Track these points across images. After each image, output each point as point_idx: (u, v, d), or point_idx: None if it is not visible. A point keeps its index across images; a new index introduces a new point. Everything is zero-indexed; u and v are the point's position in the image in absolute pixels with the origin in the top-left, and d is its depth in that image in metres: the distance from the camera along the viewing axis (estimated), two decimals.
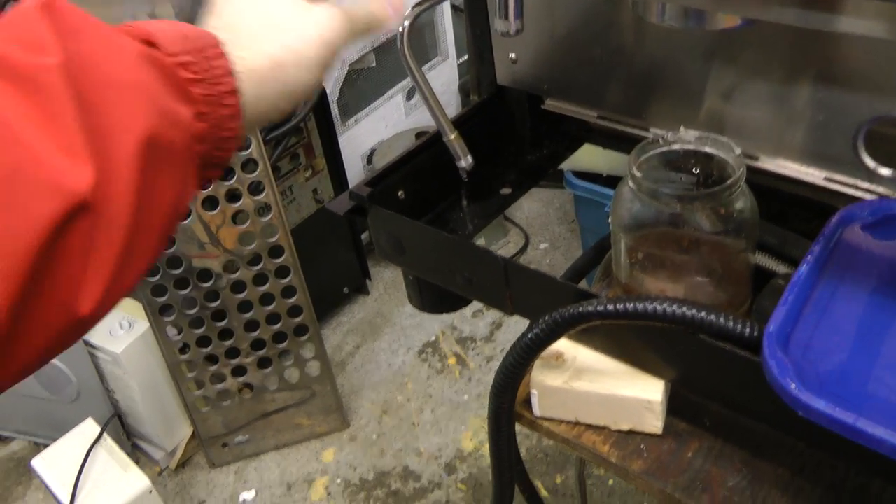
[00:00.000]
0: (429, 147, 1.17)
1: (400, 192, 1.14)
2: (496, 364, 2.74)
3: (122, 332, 2.42)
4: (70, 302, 0.51)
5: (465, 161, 1.14)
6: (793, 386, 0.74)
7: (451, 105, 3.50)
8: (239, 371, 2.46)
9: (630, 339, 0.96)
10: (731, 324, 0.82)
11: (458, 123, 1.16)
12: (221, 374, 2.45)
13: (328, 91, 2.86)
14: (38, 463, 2.33)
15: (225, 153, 0.63)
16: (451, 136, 1.12)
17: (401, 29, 1.02)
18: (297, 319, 2.40)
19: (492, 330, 2.90)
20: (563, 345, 1.03)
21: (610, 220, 1.02)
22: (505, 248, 3.24)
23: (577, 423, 1.03)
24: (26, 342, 0.50)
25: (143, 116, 0.54)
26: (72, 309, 0.51)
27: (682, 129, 0.98)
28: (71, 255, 0.50)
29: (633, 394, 0.97)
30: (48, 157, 0.49)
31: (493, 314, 2.95)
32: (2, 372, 0.51)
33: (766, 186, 1.02)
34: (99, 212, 0.51)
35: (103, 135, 0.52)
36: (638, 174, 0.95)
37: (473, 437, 2.55)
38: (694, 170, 1.00)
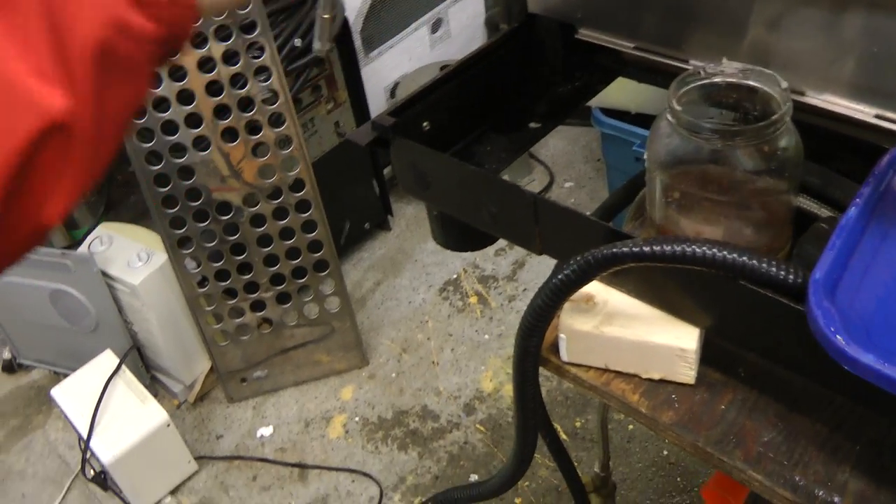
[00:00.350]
0: (455, 77, 1.12)
1: (425, 124, 1.09)
2: (518, 304, 2.72)
3: (140, 264, 2.40)
4: (37, 214, 0.54)
5: (322, 45, 1.08)
6: (839, 338, 0.69)
7: (477, 39, 3.43)
8: (258, 306, 2.43)
9: (665, 284, 0.92)
10: (774, 269, 0.77)
11: (486, 53, 1.10)
12: (240, 309, 2.42)
13: (350, 21, 2.80)
14: (57, 392, 2.33)
15: (179, 47, 0.65)
16: (325, 16, 1.06)
17: None
18: (318, 255, 2.37)
19: (514, 269, 2.86)
20: (595, 287, 0.98)
21: (646, 155, 0.97)
22: (529, 185, 3.19)
23: (605, 370, 0.99)
24: None
25: (96, 27, 0.56)
26: (38, 220, 0.55)
27: (724, 60, 0.93)
28: (43, 171, 0.53)
29: (665, 341, 0.93)
30: (24, 79, 0.52)
31: (515, 253, 2.91)
32: None
33: (811, 124, 0.97)
34: (70, 131, 0.53)
35: (68, 55, 0.54)
36: (677, 107, 0.89)
37: (493, 377, 2.52)
38: (736, 104, 0.94)
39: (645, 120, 2.42)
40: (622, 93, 2.26)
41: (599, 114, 2.51)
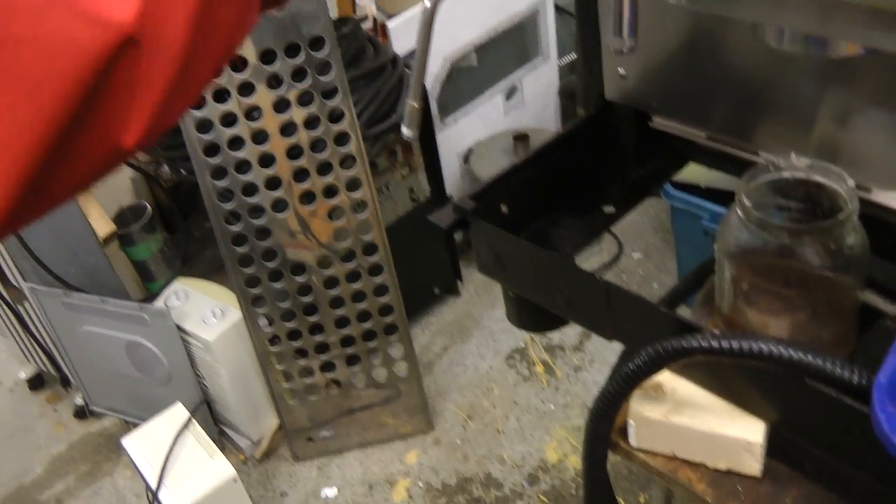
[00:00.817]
0: (533, 162, 1.15)
1: (503, 207, 1.12)
2: (584, 374, 2.72)
3: (215, 321, 2.46)
4: (114, 135, 0.50)
5: (410, 132, 1.10)
6: None
7: (551, 107, 3.47)
8: (327, 366, 2.47)
9: (732, 376, 0.93)
10: (838, 369, 0.79)
11: (564, 139, 1.14)
12: (310, 368, 2.46)
13: (428, 88, 2.85)
14: (128, 442, 2.38)
15: None
16: (416, 105, 1.09)
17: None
18: (388, 318, 2.40)
19: (581, 339, 2.87)
20: (664, 377, 1.00)
21: (715, 246, 0.99)
22: (598, 255, 3.20)
23: (673, 458, 1.00)
24: (67, 170, 0.49)
25: None
26: (115, 142, 0.50)
27: (792, 155, 0.95)
28: (116, 89, 0.48)
29: (732, 433, 0.94)
30: None
31: None
32: (40, 197, 0.50)
33: (877, 219, 0.98)
34: (147, 45, 0.48)
35: None
36: (747, 202, 0.91)
37: (558, 447, 2.52)
38: (804, 199, 0.96)
39: (714, 194, 2.43)
40: (693, 167, 2.27)
41: (669, 187, 2.53)
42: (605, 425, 0.99)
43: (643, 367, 0.89)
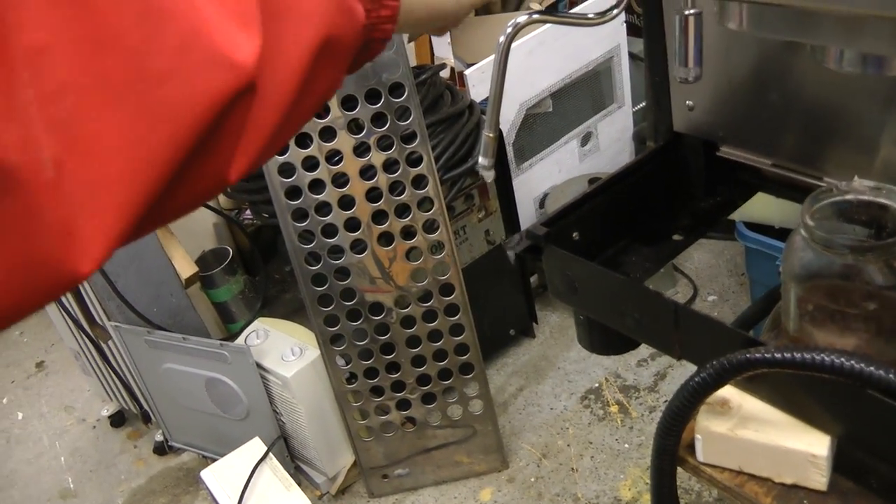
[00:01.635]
0: (604, 191, 1.19)
1: (574, 234, 1.16)
2: (659, 414, 2.71)
3: (293, 359, 2.51)
4: (221, 170, 0.54)
5: (487, 161, 1.13)
6: None
7: (625, 152, 3.51)
8: (403, 405, 2.51)
9: (797, 391, 0.96)
10: None
11: (634, 169, 1.17)
12: (386, 407, 2.50)
13: (504, 133, 2.91)
14: (206, 475, 2.43)
15: (372, 53, 0.66)
16: (491, 135, 1.12)
17: (509, 29, 1.02)
18: (464, 358, 2.44)
19: (656, 380, 2.87)
20: (729, 392, 1.02)
21: (780, 269, 1.02)
22: (673, 298, 3.20)
23: (739, 472, 1.02)
24: (177, 198, 0.53)
25: (327, 14, 0.56)
26: (222, 176, 0.54)
27: (856, 178, 0.97)
28: (232, 128, 0.52)
29: (798, 446, 0.96)
30: (221, 25, 0.49)
31: (657, 364, 2.93)
32: (152, 220, 0.53)
33: None
34: (261, 90, 0.52)
35: (281, 17, 0.53)
36: (811, 223, 0.94)
37: (632, 486, 2.53)
38: (868, 221, 0.98)
39: (789, 235, 2.43)
40: (766, 207, 2.28)
41: (743, 228, 2.54)
42: (672, 440, 1.01)
43: (708, 380, 0.92)
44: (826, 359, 0.83)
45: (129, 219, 0.49)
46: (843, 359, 0.82)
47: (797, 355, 0.84)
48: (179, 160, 0.50)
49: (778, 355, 0.86)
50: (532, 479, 2.63)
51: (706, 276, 3.29)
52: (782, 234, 2.46)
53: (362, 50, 0.65)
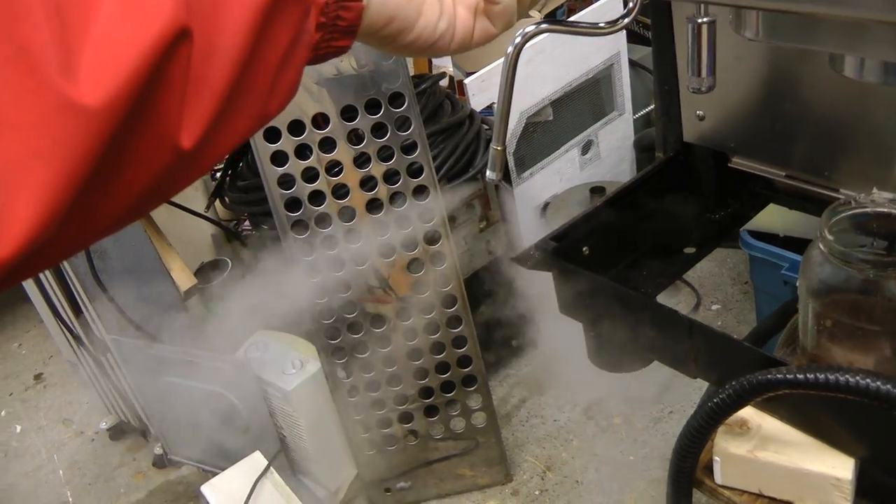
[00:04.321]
0: (613, 204, 1.17)
1: (584, 248, 1.14)
2: (663, 426, 2.70)
3: (294, 371, 2.48)
4: (172, 133, 0.50)
5: (495, 175, 1.10)
6: None
7: (626, 160, 3.48)
8: (405, 417, 2.48)
9: (818, 412, 0.93)
10: None
11: (644, 181, 1.15)
12: (388, 420, 2.47)
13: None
14: (206, 489, 2.40)
15: (336, 44, 0.63)
16: (499, 148, 1.09)
17: (518, 39, 1.00)
18: (466, 370, 2.41)
19: (660, 391, 2.84)
20: (748, 413, 0.99)
21: (798, 283, 0.99)
22: (676, 307, 3.17)
23: (759, 495, 1.00)
24: (127, 170, 0.50)
25: None
26: (173, 140, 0.50)
27: (874, 191, 0.95)
28: (169, 84, 0.49)
29: (820, 469, 0.93)
30: None
31: (661, 375, 2.89)
32: (103, 199, 0.50)
33: None
34: (198, 41, 0.49)
35: None
36: (829, 237, 0.92)
37: (638, 499, 2.50)
38: (887, 234, 0.96)
39: (793, 243, 2.41)
40: (770, 216, 2.25)
41: (747, 236, 2.51)
42: (690, 461, 0.98)
43: (728, 401, 0.89)
44: (851, 380, 0.80)
45: (56, 195, 0.46)
46: (868, 380, 0.79)
47: (821, 376, 0.82)
48: (111, 124, 0.46)
49: (801, 376, 0.83)
50: (536, 493, 2.60)
51: (709, 285, 3.27)
52: (787, 242, 2.44)
53: (330, 14, 0.61)
